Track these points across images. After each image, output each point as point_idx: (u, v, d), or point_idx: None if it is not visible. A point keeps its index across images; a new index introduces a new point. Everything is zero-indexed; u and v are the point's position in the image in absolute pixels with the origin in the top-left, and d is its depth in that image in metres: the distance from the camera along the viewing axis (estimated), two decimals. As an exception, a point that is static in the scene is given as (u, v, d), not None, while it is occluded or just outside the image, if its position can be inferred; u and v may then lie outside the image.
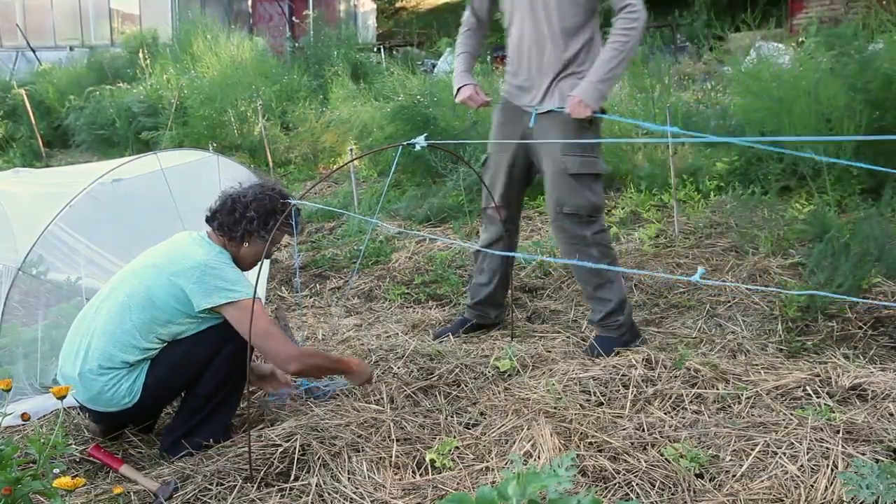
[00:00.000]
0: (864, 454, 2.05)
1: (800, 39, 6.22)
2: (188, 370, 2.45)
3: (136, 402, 2.41)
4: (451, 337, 3.28)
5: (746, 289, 3.40)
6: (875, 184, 4.21)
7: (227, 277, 2.44)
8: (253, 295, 2.38)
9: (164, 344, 2.44)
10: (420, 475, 2.20)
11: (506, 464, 2.18)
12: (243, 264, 2.59)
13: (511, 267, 3.37)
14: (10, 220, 3.33)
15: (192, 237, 2.56)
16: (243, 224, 2.51)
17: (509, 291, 3.35)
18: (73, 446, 2.51)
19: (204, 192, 3.70)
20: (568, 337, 3.24)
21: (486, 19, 3.24)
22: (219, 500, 2.12)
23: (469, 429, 2.44)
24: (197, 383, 2.46)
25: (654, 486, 2.02)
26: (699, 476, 2.06)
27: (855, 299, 3.02)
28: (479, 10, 3.20)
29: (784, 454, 2.10)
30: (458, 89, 3.10)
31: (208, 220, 2.58)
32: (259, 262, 2.46)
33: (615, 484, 2.05)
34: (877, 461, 2.00)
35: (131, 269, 2.52)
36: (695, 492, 1.99)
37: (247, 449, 2.26)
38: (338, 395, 2.75)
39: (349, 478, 2.17)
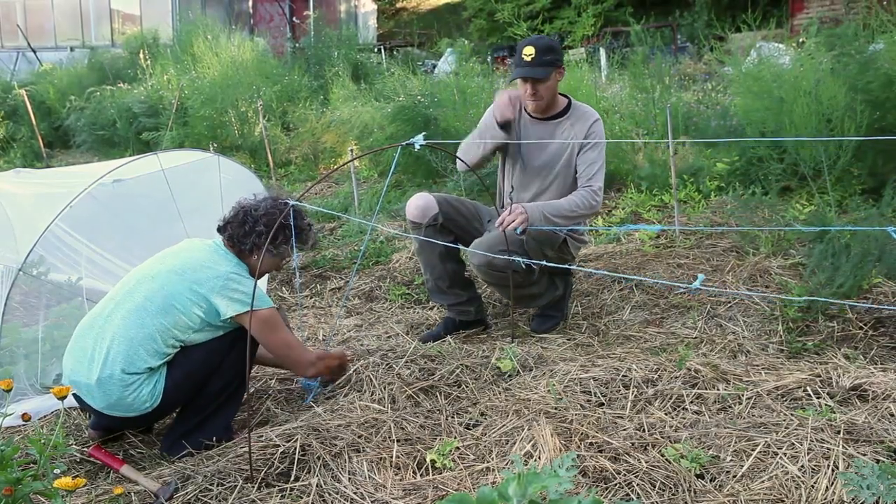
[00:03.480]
0: (864, 454, 2.05)
1: (800, 40, 6.22)
2: (203, 373, 2.47)
3: (157, 406, 2.43)
4: (450, 340, 3.28)
5: (747, 290, 3.40)
6: (876, 184, 4.20)
7: (249, 288, 2.47)
8: (250, 302, 2.40)
9: (180, 348, 2.45)
10: (420, 475, 2.20)
11: (506, 464, 2.17)
12: (253, 276, 2.61)
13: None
14: (11, 221, 3.33)
15: (207, 245, 2.57)
16: (252, 237, 2.54)
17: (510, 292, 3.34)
18: (74, 447, 2.51)
19: (204, 193, 3.70)
20: (569, 338, 3.24)
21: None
22: (219, 501, 2.12)
23: (470, 429, 2.44)
24: (204, 386, 2.48)
25: (654, 487, 2.02)
26: (700, 476, 2.06)
27: (852, 303, 3.01)
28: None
29: (785, 455, 2.09)
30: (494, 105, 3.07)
31: (220, 230, 2.60)
32: (265, 274, 2.49)
33: (616, 484, 2.04)
34: (877, 461, 2.00)
35: (148, 273, 2.50)
36: (695, 492, 1.99)
37: (247, 449, 2.26)
38: (336, 394, 2.75)
39: (350, 478, 2.17)
